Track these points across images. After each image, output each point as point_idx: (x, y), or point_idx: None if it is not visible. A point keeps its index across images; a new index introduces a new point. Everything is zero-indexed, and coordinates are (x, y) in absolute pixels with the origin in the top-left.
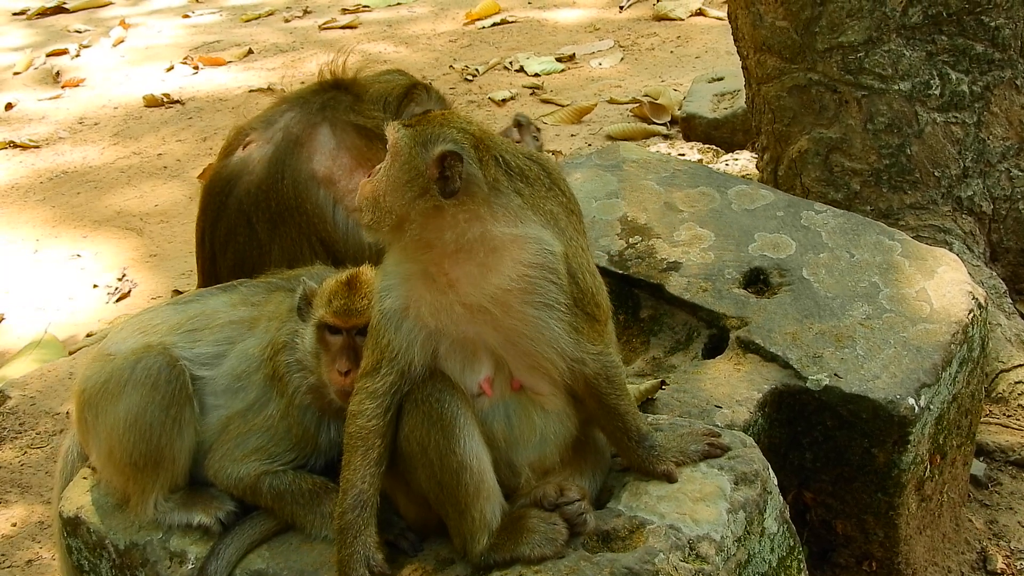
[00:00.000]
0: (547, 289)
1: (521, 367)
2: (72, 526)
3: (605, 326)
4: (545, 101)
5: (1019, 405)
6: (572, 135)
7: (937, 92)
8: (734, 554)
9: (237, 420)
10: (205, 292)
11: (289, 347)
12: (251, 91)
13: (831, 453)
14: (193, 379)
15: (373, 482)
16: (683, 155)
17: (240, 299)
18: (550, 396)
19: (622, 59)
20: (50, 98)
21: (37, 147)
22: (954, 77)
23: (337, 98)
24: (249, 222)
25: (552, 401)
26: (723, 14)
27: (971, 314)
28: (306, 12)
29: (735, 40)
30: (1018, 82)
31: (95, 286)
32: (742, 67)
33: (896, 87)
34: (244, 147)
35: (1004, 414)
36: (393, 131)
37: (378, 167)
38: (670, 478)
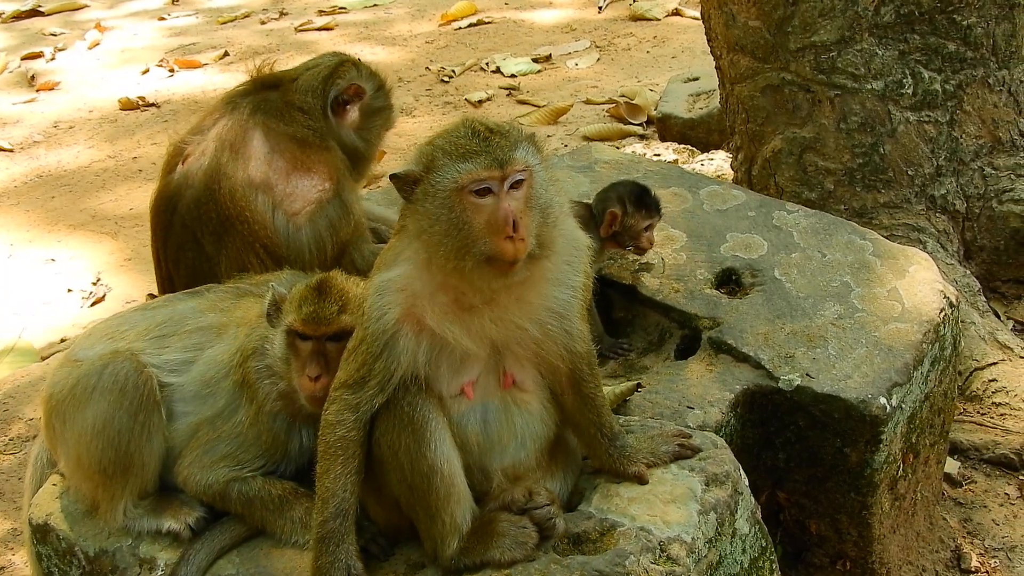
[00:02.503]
0: (578, 279)
1: (523, 358)
2: (41, 533)
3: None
4: (521, 102)
5: (993, 403)
6: (548, 136)
7: (910, 91)
8: (705, 556)
9: (206, 427)
10: (173, 298)
11: (258, 353)
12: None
13: (804, 453)
14: (161, 386)
15: (354, 490)
16: (659, 155)
17: (208, 305)
18: (535, 392)
19: (598, 59)
20: (25, 101)
21: (11, 151)
22: (927, 76)
23: (267, 98)
24: (195, 237)
25: (535, 399)
26: (699, 14)
27: (943, 313)
28: (282, 14)
29: (708, 40)
30: (990, 80)
31: (70, 290)
32: (716, 67)
33: (869, 86)
34: (183, 162)
35: (978, 412)
36: (524, 160)
37: (506, 204)
38: (641, 479)
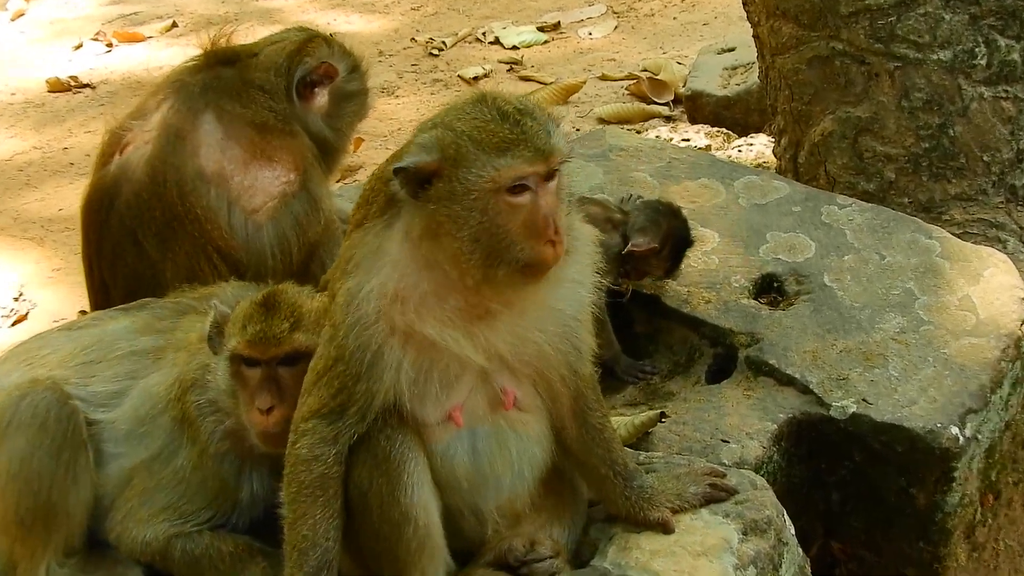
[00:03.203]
0: (591, 278)
1: (522, 375)
2: None
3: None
4: (525, 78)
5: None
6: None
7: (983, 62)
8: None
9: (142, 472)
10: (104, 315)
11: (199, 385)
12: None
13: (862, 494)
14: (88, 423)
15: (337, 536)
16: (687, 140)
17: (144, 324)
18: (534, 412)
19: (616, 27)
20: None
21: None
22: (1003, 44)
23: (221, 76)
24: (135, 239)
25: (533, 420)
26: None
27: None
28: None
29: (744, 4)
30: None
31: None
32: (753, 36)
33: (935, 57)
34: (121, 151)
35: None
36: (562, 148)
37: (545, 202)
38: (666, 528)
